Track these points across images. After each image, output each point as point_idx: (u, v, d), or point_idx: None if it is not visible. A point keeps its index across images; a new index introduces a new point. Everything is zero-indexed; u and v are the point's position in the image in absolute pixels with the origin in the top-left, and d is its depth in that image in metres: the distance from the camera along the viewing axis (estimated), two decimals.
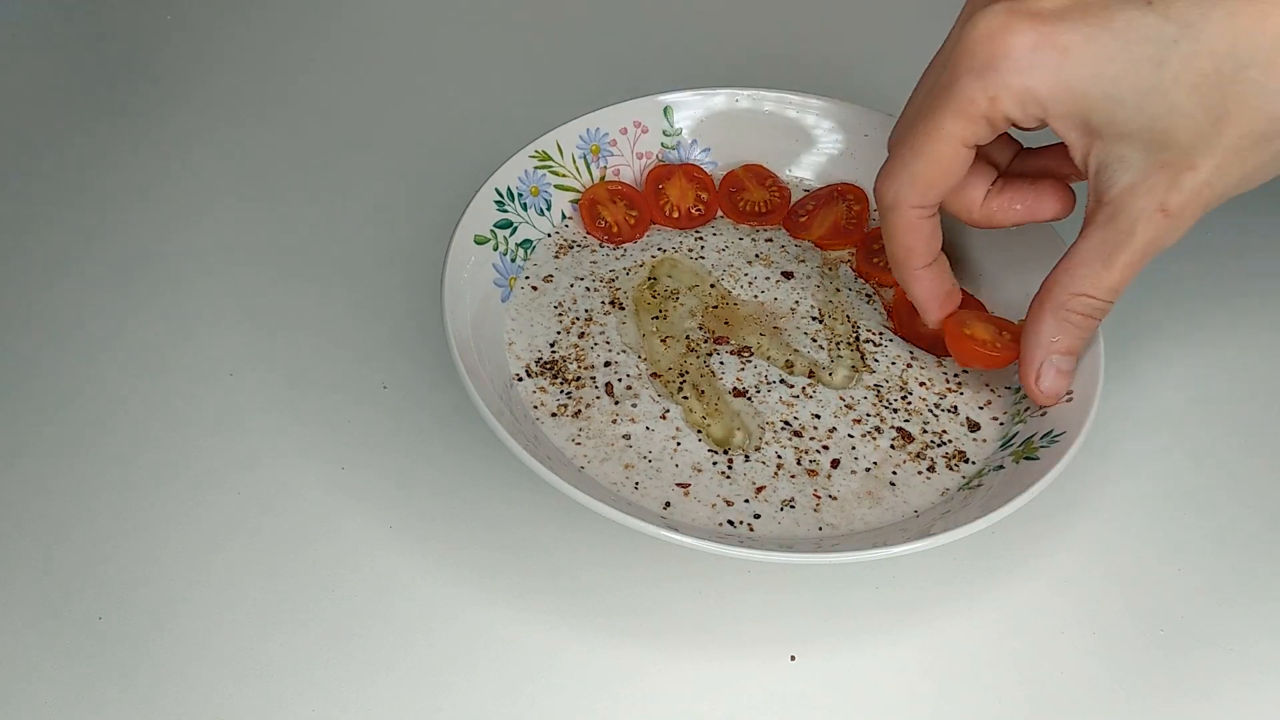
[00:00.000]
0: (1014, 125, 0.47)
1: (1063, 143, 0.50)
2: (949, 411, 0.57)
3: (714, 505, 0.52)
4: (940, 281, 0.55)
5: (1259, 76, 0.43)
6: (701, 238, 0.64)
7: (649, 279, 0.61)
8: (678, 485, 0.52)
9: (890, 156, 0.51)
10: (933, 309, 0.56)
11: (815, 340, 0.59)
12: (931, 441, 0.55)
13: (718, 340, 0.59)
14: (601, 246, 0.63)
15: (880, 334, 0.60)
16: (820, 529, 0.51)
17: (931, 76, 0.52)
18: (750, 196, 0.66)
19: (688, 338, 0.59)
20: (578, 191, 0.65)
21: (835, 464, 0.54)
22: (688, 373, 0.57)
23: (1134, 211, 0.47)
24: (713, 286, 0.61)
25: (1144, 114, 0.44)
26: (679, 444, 0.54)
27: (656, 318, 0.59)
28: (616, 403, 0.55)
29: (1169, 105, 0.44)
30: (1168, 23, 0.43)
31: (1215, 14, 0.43)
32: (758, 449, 0.54)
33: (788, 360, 0.58)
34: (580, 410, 0.55)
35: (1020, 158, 0.55)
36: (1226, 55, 0.43)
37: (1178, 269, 0.69)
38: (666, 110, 0.67)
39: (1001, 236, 0.62)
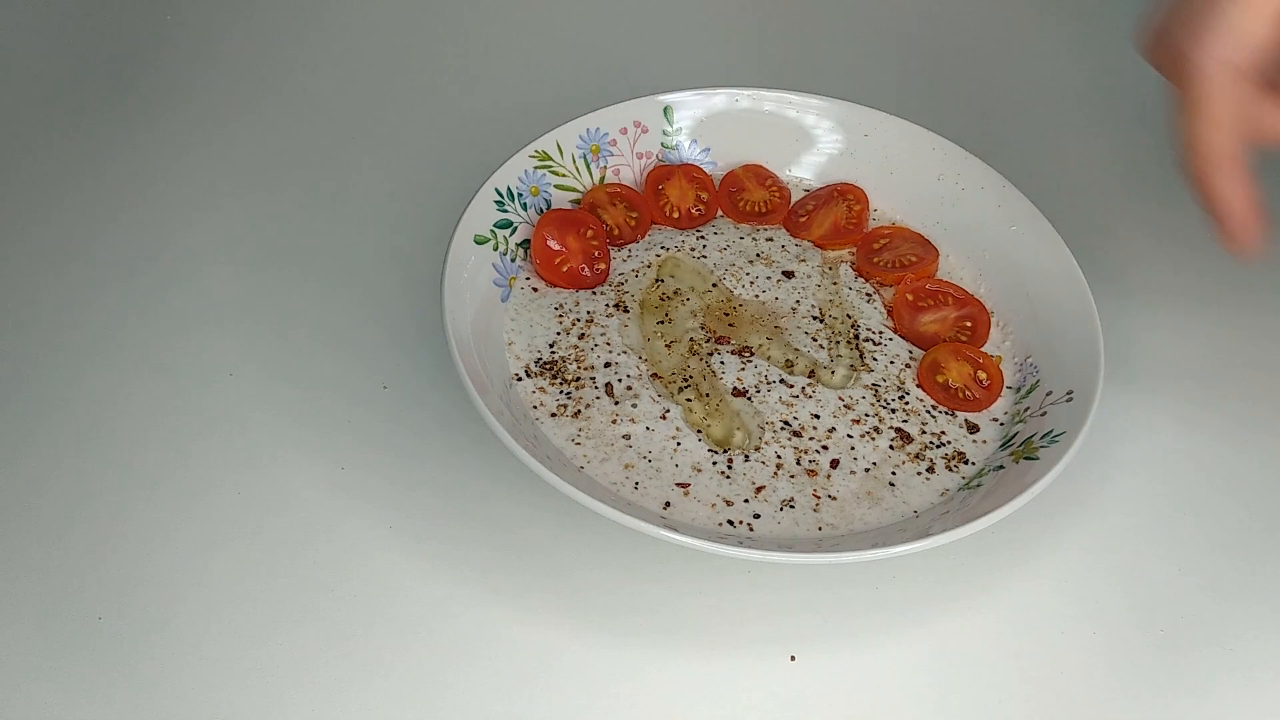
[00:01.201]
0: None
1: None
2: (947, 413, 0.57)
3: (714, 505, 0.52)
4: (1246, 184, 0.43)
5: None
6: (703, 237, 0.64)
7: (655, 280, 0.61)
8: (677, 485, 0.52)
9: (1178, 7, 0.41)
10: (1245, 222, 0.44)
11: (815, 340, 0.59)
12: (930, 443, 0.55)
13: (719, 340, 0.59)
14: None
15: (880, 333, 0.60)
16: (820, 529, 0.51)
17: None
18: (750, 196, 0.66)
19: (690, 339, 0.59)
20: (578, 191, 0.65)
21: (835, 464, 0.54)
22: (690, 375, 0.57)
23: None
24: (714, 286, 0.61)
25: None
26: (679, 444, 0.54)
27: (662, 322, 0.59)
28: (616, 403, 0.55)
29: None
30: None
31: None
32: (757, 449, 0.54)
33: (788, 360, 0.58)
34: (580, 410, 0.55)
35: None
36: None
37: (1178, 269, 0.69)
38: (666, 110, 0.67)
39: (999, 235, 0.62)
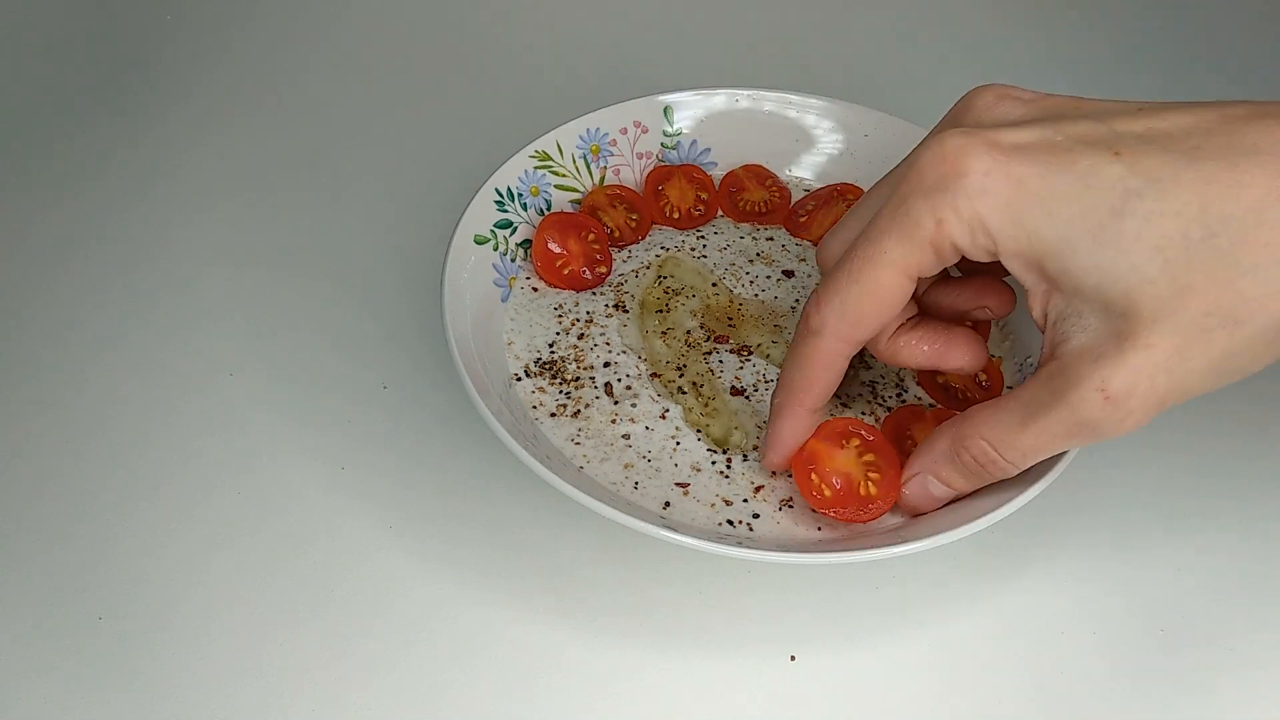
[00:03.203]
0: (964, 257, 0.43)
1: (982, 278, 0.49)
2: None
3: (713, 505, 0.52)
4: (807, 430, 0.50)
5: (1228, 246, 0.38)
6: (703, 236, 0.64)
7: (658, 277, 0.61)
8: (677, 485, 0.52)
9: (824, 279, 0.47)
10: (782, 452, 0.50)
11: None
12: None
13: (718, 339, 0.59)
14: None
15: None
16: (819, 529, 0.51)
17: (878, 196, 0.47)
18: (750, 196, 0.67)
19: (688, 333, 0.59)
20: (578, 192, 0.65)
21: None
22: (685, 367, 0.57)
23: (1073, 379, 0.41)
24: (714, 286, 0.61)
25: (1101, 268, 0.39)
26: (678, 443, 0.54)
27: (661, 311, 0.59)
28: (616, 403, 0.55)
29: (1129, 264, 0.39)
30: (1133, 175, 0.39)
31: (1186, 176, 0.39)
32: (755, 447, 0.54)
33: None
34: (580, 410, 0.55)
35: (940, 289, 0.51)
36: (1195, 219, 0.38)
37: None
38: (666, 110, 0.67)
39: None
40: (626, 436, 0.54)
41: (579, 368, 0.57)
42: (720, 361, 0.57)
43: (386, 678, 0.49)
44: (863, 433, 0.51)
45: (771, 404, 0.51)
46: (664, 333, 0.59)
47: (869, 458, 0.51)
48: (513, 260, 0.61)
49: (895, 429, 0.55)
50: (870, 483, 0.51)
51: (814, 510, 0.51)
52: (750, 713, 0.48)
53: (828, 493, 0.50)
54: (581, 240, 0.61)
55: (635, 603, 0.52)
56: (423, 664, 0.49)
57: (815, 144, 0.68)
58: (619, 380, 0.56)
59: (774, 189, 0.67)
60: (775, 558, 0.47)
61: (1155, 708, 0.49)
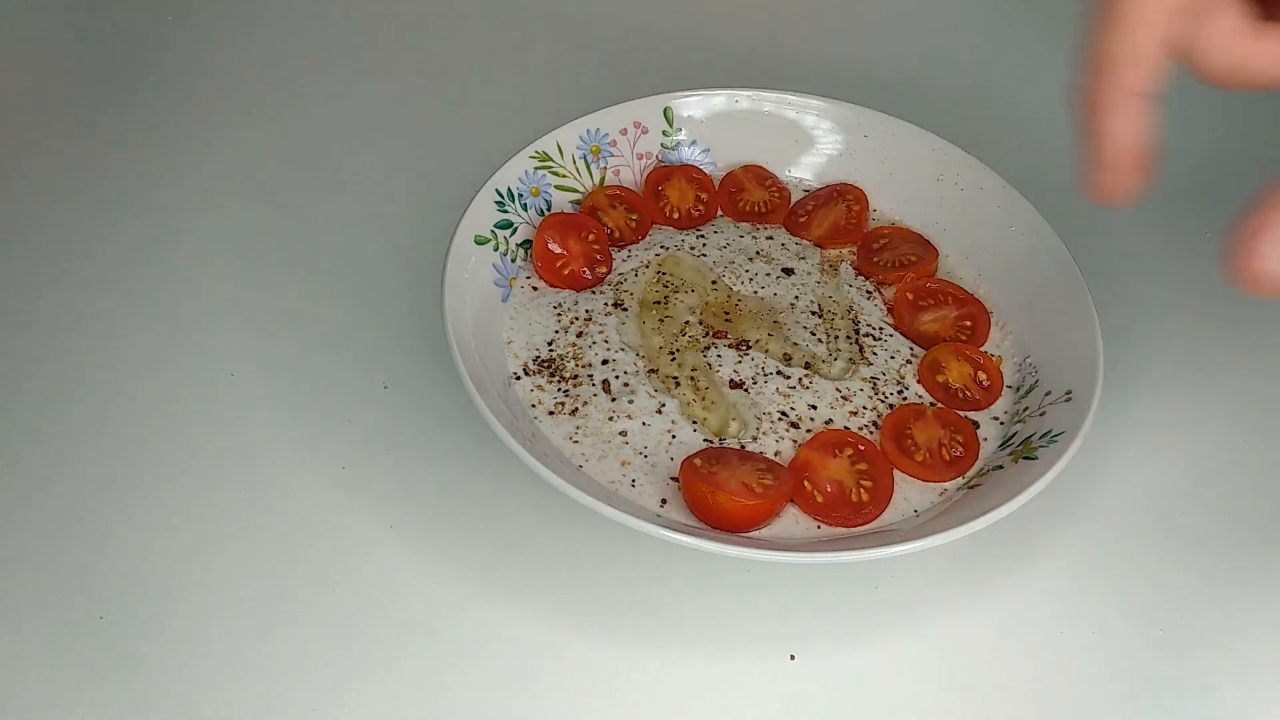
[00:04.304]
0: None
1: None
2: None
3: None
4: (1141, 128, 0.36)
5: None
6: (703, 235, 0.64)
7: (658, 273, 0.61)
8: (673, 480, 0.52)
9: None
10: (1119, 165, 0.37)
11: (814, 334, 0.59)
12: None
13: (716, 335, 0.59)
14: None
15: (880, 329, 0.60)
16: (819, 527, 0.51)
17: None
18: (750, 197, 0.67)
19: (686, 324, 0.59)
20: (578, 192, 0.65)
21: None
22: (678, 353, 0.57)
23: None
24: (714, 284, 0.61)
25: None
26: (674, 437, 0.54)
27: (659, 303, 0.59)
28: (614, 400, 0.55)
29: None
30: None
31: None
32: (754, 439, 0.54)
33: (785, 354, 0.58)
34: (578, 408, 0.55)
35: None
36: None
37: (1178, 271, 0.69)
38: (666, 110, 0.67)
39: (998, 235, 0.62)
40: (624, 433, 0.54)
41: (577, 365, 0.57)
42: (719, 356, 0.57)
43: (386, 678, 0.49)
44: (856, 443, 0.53)
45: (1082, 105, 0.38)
46: (661, 320, 0.59)
47: (861, 466, 0.52)
48: (513, 260, 0.61)
49: (896, 426, 0.55)
50: (863, 490, 0.52)
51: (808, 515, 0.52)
52: (750, 713, 0.48)
53: (820, 499, 0.51)
54: (581, 240, 0.61)
55: (635, 602, 0.52)
56: (423, 664, 0.49)
57: (815, 144, 0.68)
58: (616, 377, 0.56)
59: (774, 189, 0.67)
60: (775, 557, 0.47)
61: (1154, 708, 0.49)
